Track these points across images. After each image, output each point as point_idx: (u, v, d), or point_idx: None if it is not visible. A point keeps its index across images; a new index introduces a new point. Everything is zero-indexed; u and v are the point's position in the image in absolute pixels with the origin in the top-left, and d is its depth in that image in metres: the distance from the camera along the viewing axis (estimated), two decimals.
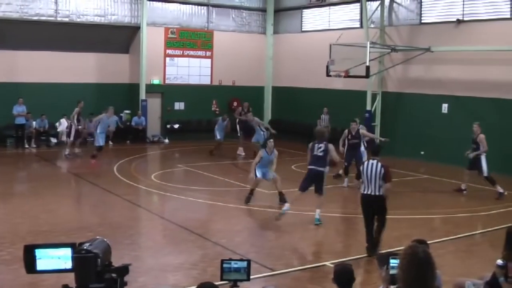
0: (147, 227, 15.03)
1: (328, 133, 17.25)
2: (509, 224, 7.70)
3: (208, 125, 31.61)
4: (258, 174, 16.58)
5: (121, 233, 13.19)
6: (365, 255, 11.88)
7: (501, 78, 22.91)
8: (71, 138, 25.50)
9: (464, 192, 18.91)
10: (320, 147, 14.51)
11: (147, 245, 12.83)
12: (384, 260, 5.91)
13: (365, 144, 20.13)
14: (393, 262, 5.28)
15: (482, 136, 18.66)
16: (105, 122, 23.52)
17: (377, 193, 11.86)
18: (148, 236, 13.93)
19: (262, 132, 24.68)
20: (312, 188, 14.54)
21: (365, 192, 12.01)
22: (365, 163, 12.18)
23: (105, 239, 3.72)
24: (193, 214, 15.75)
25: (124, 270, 3.70)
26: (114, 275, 3.63)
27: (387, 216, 12.17)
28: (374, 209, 12.05)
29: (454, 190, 19.15)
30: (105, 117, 23.47)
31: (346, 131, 20.01)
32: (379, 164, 11.89)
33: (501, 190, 18.14)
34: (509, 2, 22.90)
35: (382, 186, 11.85)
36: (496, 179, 18.51)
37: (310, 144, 14.81)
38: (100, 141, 23.26)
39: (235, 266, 5.37)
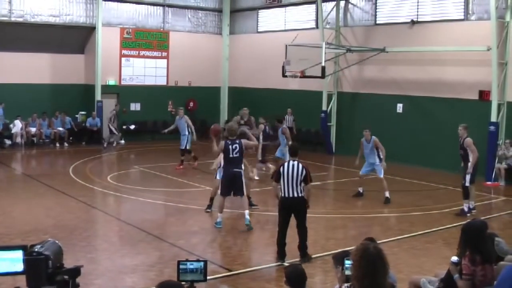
0: (103, 229, 14.89)
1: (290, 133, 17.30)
2: (462, 222, 7.83)
3: (164, 125, 31.41)
4: (218, 176, 15.28)
5: (77, 235, 13.05)
6: (321, 254, 11.93)
7: (455, 79, 23.26)
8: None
9: (474, 211, 16.09)
10: (235, 148, 13.77)
11: (103, 247, 12.69)
12: (339, 260, 5.97)
13: (380, 157, 17.95)
14: (348, 263, 5.33)
15: (469, 140, 15.91)
16: (178, 123, 23.10)
17: (298, 195, 11.38)
18: (104, 238, 13.78)
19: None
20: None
21: (285, 195, 11.40)
22: (285, 164, 11.52)
23: (57, 241, 3.68)
24: (150, 216, 15.66)
25: (75, 271, 3.67)
26: (66, 276, 3.60)
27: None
28: (294, 212, 11.55)
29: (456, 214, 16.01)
30: (177, 118, 23.16)
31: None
32: (300, 165, 11.43)
33: (466, 209, 15.96)
34: (462, 4, 23.26)
35: (304, 188, 11.43)
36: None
37: (223, 143, 13.99)
38: (181, 143, 22.78)
39: (191, 267, 5.37)
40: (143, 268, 11.03)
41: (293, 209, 11.53)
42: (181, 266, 5.33)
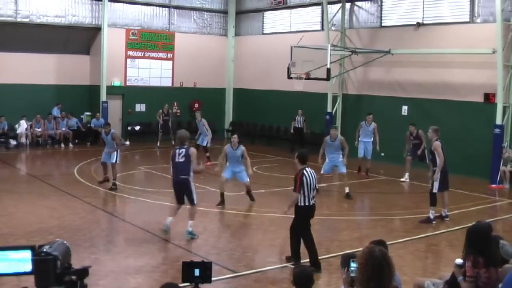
0: (107, 229, 14.89)
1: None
2: (467, 225, 7.83)
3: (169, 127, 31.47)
4: (226, 175, 16.74)
5: (81, 235, 13.08)
6: (326, 256, 11.92)
7: (460, 81, 23.24)
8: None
9: (447, 219, 15.62)
10: (181, 153, 13.23)
11: (107, 248, 12.71)
12: (345, 261, 5.97)
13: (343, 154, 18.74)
14: (353, 265, 5.33)
15: (436, 144, 15.12)
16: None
17: (315, 202, 11.35)
18: (109, 239, 13.79)
19: None
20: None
21: (306, 204, 11.10)
22: (306, 173, 11.03)
23: (65, 242, 3.69)
24: (154, 217, 15.65)
25: (83, 272, 3.66)
26: (74, 277, 3.60)
27: None
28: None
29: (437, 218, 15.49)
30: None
31: (408, 132, 21.92)
32: (314, 172, 11.30)
33: (432, 216, 15.18)
34: (468, 6, 23.24)
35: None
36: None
37: (172, 151, 13.62)
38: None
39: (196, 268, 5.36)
40: (147, 269, 11.06)
41: (312, 216, 11.43)
42: (185, 267, 5.33)
